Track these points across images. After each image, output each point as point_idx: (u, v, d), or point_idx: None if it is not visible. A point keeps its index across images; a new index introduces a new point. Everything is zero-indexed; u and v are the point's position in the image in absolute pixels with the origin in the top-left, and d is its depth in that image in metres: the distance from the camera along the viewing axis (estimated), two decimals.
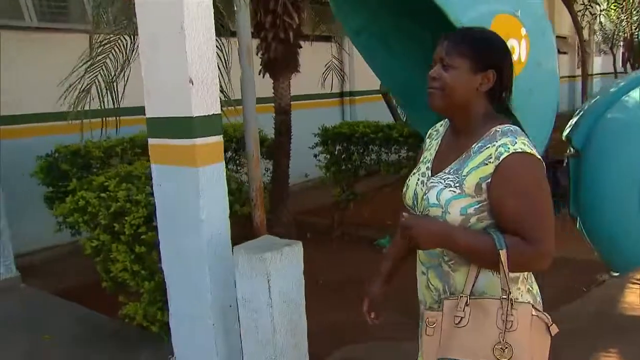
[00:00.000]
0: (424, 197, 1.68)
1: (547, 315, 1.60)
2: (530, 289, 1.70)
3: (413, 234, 1.59)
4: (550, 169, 2.95)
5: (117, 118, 4.32)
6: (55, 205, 4.93)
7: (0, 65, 5.35)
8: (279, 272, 2.46)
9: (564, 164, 3.07)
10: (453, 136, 1.75)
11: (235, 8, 3.39)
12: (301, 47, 5.04)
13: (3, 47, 5.57)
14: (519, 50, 2.45)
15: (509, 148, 1.54)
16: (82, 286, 4.90)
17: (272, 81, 5.07)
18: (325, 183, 6.54)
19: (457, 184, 1.61)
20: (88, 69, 4.10)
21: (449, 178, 1.64)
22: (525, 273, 1.68)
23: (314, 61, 5.75)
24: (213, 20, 2.72)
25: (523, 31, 2.46)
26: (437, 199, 1.63)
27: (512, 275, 1.60)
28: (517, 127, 1.65)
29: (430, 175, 1.73)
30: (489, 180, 1.56)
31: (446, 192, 1.62)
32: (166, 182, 2.86)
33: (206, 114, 2.67)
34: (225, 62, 3.69)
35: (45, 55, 6.07)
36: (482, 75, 1.62)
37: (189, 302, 2.93)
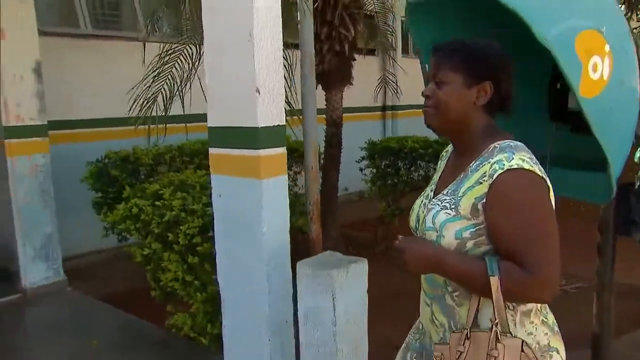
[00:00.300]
0: (424, 220, 1.60)
1: (542, 354, 1.50)
2: (545, 320, 1.57)
3: (404, 258, 1.51)
4: (623, 192, 2.82)
5: (186, 125, 4.30)
6: (103, 210, 4.97)
7: (54, 71, 5.38)
8: (344, 290, 2.38)
9: (637, 187, 2.93)
10: (455, 155, 1.67)
11: (299, 18, 3.35)
12: (355, 59, 4.98)
13: (58, 54, 5.64)
14: (602, 67, 2.33)
15: (503, 165, 1.43)
16: (127, 292, 4.90)
17: (324, 93, 5.03)
18: (365, 197, 6.48)
19: (453, 206, 1.52)
20: (155, 78, 4.10)
21: (445, 199, 1.56)
22: (539, 305, 1.55)
23: (359, 74, 5.70)
24: (281, 29, 2.67)
25: (607, 48, 2.34)
26: (432, 222, 1.55)
27: (523, 308, 1.51)
28: (519, 143, 1.54)
29: (432, 197, 1.66)
30: (484, 200, 1.45)
31: (441, 214, 1.53)
32: (226, 193, 2.80)
33: (271, 125, 2.62)
34: (291, 73, 3.65)
35: (97, 62, 6.15)
36: (477, 89, 1.54)
37: (245, 316, 2.86)
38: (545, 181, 1.46)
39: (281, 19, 2.68)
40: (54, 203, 4.92)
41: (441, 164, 1.78)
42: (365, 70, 7.27)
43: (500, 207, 1.43)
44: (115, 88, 6.14)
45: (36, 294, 4.84)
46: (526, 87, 2.30)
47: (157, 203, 3.49)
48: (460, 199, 1.50)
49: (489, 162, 1.46)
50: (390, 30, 5.76)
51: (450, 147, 1.77)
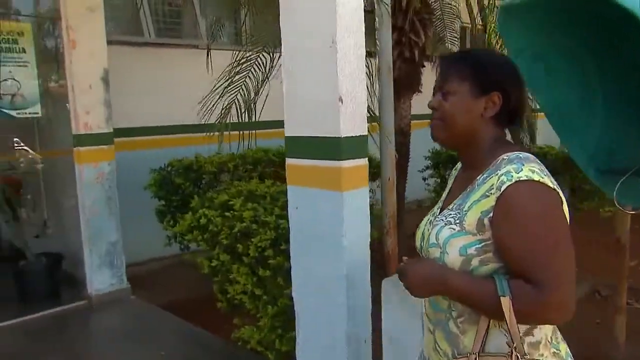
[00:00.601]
0: (428, 237, 1.51)
1: None
2: (557, 351, 1.44)
3: (407, 281, 1.43)
4: None
5: (253, 132, 4.24)
6: (167, 219, 4.96)
7: (118, 78, 5.41)
8: None
9: None
10: (463, 169, 1.59)
11: (377, 25, 3.24)
12: (424, 66, 4.84)
13: (122, 62, 5.68)
14: None
15: (512, 176, 1.33)
16: (189, 301, 4.88)
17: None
18: (422, 206, 6.33)
19: (458, 221, 1.42)
20: (227, 88, 4.05)
21: (450, 215, 1.46)
22: (549, 334, 1.43)
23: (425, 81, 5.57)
24: (364, 36, 2.56)
25: None
26: (435, 239, 1.45)
27: (531, 338, 1.39)
28: (529, 154, 1.43)
29: (438, 214, 1.56)
30: (491, 214, 1.35)
31: (445, 230, 1.44)
32: (304, 205, 2.70)
33: (354, 135, 2.50)
34: (372, 81, 3.54)
35: (159, 70, 6.19)
36: (485, 99, 1.46)
37: (321, 333, 2.74)
38: (558, 193, 1.36)
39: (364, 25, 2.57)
40: (119, 211, 4.93)
41: (450, 181, 1.69)
42: (430, 78, 7.10)
43: (508, 222, 1.33)
44: (177, 95, 6.19)
45: (101, 301, 4.86)
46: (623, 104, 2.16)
47: (227, 214, 3.41)
48: (466, 214, 1.41)
49: (497, 175, 1.37)
50: (457, 36, 5.59)
51: (459, 164, 1.67)
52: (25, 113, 4.55)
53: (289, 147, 2.75)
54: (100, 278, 4.90)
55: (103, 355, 4.01)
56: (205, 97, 3.98)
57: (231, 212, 3.40)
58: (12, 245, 5.50)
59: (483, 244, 1.37)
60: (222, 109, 4.13)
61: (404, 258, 1.50)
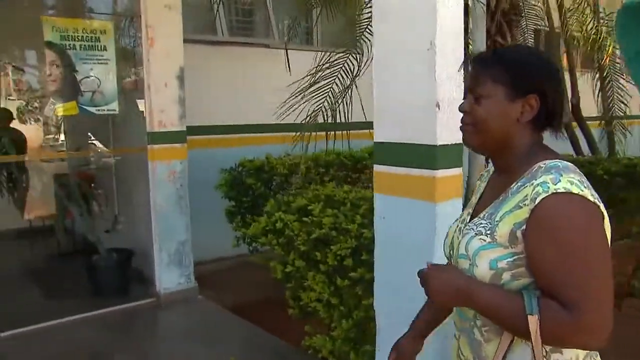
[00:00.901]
0: (458, 246, 1.42)
1: None
2: None
3: (429, 287, 1.35)
4: None
5: (331, 134, 4.14)
6: (236, 220, 4.91)
7: (191, 77, 5.42)
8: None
9: None
10: (496, 176, 1.48)
11: (471, 26, 3.08)
12: None
13: (195, 60, 5.69)
14: None
15: (548, 187, 1.23)
16: (256, 304, 4.84)
17: None
18: None
19: (489, 232, 1.33)
20: (311, 92, 3.96)
21: (481, 224, 1.37)
22: (581, 356, 1.31)
23: None
24: (463, 38, 2.41)
25: None
26: (465, 249, 1.36)
27: (560, 357, 1.29)
28: (568, 163, 1.32)
29: (468, 221, 1.47)
30: (524, 227, 1.26)
31: (475, 241, 1.35)
32: (392, 215, 2.57)
33: (450, 143, 2.36)
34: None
35: (232, 68, 6.18)
36: (522, 103, 1.34)
37: None
38: (599, 207, 1.25)
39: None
40: (189, 210, 4.91)
41: (480, 185, 1.59)
42: None
43: (542, 236, 1.23)
44: (248, 95, 6.17)
45: (169, 299, 4.85)
46: None
47: (305, 219, 3.31)
48: (497, 224, 1.32)
49: (532, 184, 1.27)
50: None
51: (491, 167, 1.55)
52: (104, 110, 4.59)
53: (378, 154, 2.64)
54: (169, 276, 4.89)
55: (172, 356, 3.98)
56: (287, 99, 3.88)
57: (309, 217, 3.29)
58: (85, 239, 5.58)
59: (515, 257, 1.28)
60: (308, 113, 4.02)
61: (428, 263, 1.41)
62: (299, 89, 3.92)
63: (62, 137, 9.97)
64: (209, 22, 6.28)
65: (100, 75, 4.51)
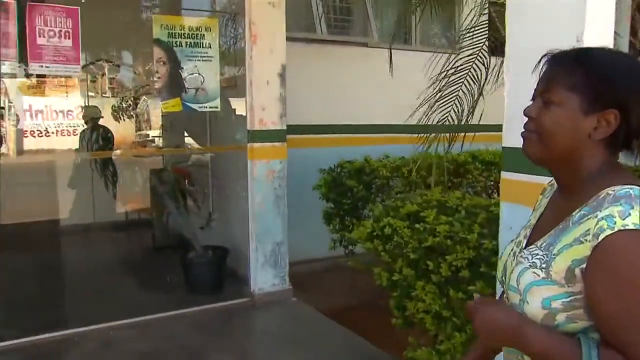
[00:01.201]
0: (510, 275, 1.24)
1: None
2: None
3: (476, 323, 1.17)
4: None
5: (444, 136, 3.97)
6: (334, 222, 4.80)
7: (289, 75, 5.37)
8: None
9: None
10: (559, 194, 1.27)
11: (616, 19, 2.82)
12: None
13: (295, 58, 5.63)
14: None
15: (614, 223, 1.02)
16: (351, 308, 4.74)
17: None
18: None
19: (544, 265, 1.14)
20: (440, 94, 3.79)
21: (537, 255, 1.17)
22: None
23: None
24: (613, 31, 2.17)
25: None
26: (516, 282, 1.19)
27: None
28: None
29: (524, 246, 1.27)
30: (584, 265, 1.06)
31: (528, 274, 1.16)
32: (521, 226, 2.35)
33: None
34: None
35: (330, 67, 6.11)
36: (597, 117, 1.12)
37: None
38: None
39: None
40: (286, 210, 4.83)
41: (542, 201, 1.39)
42: None
43: (604, 279, 1.04)
44: (346, 94, 6.06)
45: (263, 300, 4.79)
46: None
47: (417, 226, 3.13)
48: (554, 259, 1.12)
49: (596, 216, 1.06)
50: None
51: (554, 182, 1.33)
52: (206, 107, 4.58)
53: (507, 160, 2.44)
54: (264, 277, 4.83)
55: (267, 359, 3.91)
56: (422, 101, 3.72)
57: (422, 224, 3.11)
58: (180, 235, 5.63)
59: (571, 297, 1.10)
60: (424, 116, 3.85)
61: (476, 295, 1.25)
62: (433, 90, 3.75)
63: (156, 133, 10.27)
64: (308, 20, 6.21)
65: (203, 72, 4.50)
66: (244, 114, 4.83)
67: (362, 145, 5.73)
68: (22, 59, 3.95)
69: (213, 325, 4.42)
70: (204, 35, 4.47)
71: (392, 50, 5.26)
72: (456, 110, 3.76)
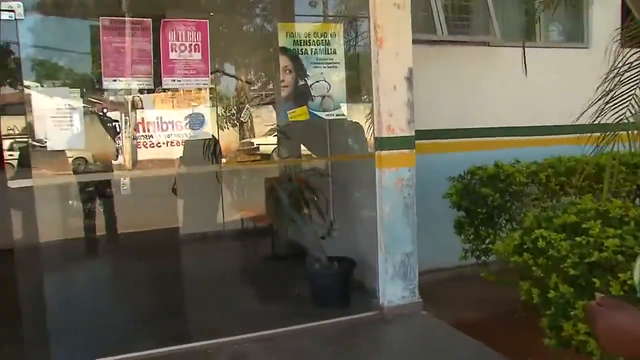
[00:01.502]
0: None
1: None
2: None
3: (596, 327, 1.06)
4: None
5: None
6: (467, 232, 4.54)
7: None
8: None
9: None
10: None
11: None
12: None
13: (417, 61, 5.43)
14: None
15: None
16: (491, 324, 4.44)
17: None
18: None
19: None
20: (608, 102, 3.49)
21: None
22: None
23: None
24: None
25: None
26: None
27: None
28: None
29: None
30: None
31: None
32: None
33: None
34: None
35: (451, 68, 5.86)
36: None
37: None
38: None
39: None
40: (416, 219, 4.62)
41: None
42: None
43: None
44: (470, 95, 5.78)
45: (392, 313, 4.59)
46: None
47: (578, 239, 2.84)
48: None
49: None
50: None
51: None
52: (333, 114, 4.48)
53: None
54: (393, 289, 4.64)
55: None
56: (595, 100, 3.42)
57: (583, 237, 2.82)
58: (301, 246, 5.55)
59: None
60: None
61: (597, 295, 1.14)
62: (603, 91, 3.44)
63: (274, 141, 10.33)
64: (427, 21, 5.98)
65: (330, 79, 4.40)
66: (366, 120, 4.68)
67: (489, 150, 5.41)
68: (156, 73, 3.99)
69: (343, 339, 4.27)
70: (328, 41, 4.37)
71: (514, 49, 4.94)
72: (632, 112, 3.40)
